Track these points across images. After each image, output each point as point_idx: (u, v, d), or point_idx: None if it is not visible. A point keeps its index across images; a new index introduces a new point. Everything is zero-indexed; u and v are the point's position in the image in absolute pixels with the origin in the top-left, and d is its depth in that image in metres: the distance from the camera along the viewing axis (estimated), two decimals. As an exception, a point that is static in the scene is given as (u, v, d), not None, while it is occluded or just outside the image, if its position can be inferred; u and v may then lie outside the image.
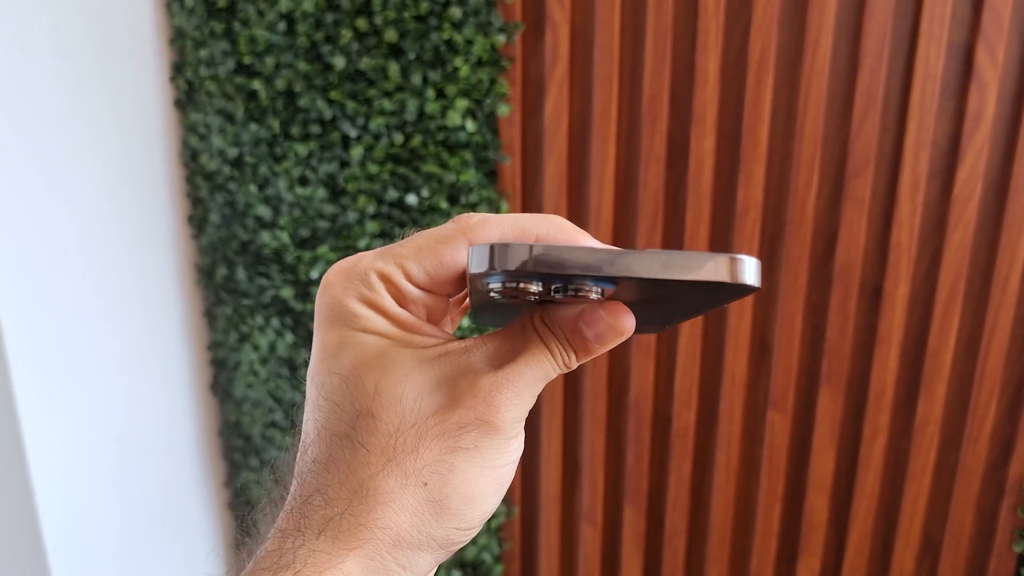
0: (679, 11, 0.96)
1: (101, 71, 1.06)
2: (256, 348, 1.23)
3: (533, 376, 0.32)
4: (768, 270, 1.02)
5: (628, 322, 0.32)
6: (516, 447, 0.33)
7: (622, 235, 1.06)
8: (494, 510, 0.33)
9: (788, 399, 1.06)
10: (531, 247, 0.28)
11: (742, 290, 0.28)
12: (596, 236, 1.05)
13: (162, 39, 1.15)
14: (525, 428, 0.38)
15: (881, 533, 1.09)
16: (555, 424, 1.15)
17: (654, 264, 0.28)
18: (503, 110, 1.03)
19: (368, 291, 0.31)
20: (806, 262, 1.00)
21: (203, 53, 1.11)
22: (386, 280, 0.31)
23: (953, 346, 0.99)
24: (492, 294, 0.30)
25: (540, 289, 0.30)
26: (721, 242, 1.02)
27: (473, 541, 1.21)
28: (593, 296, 0.30)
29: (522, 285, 0.29)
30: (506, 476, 0.32)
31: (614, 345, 0.33)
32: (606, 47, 0.98)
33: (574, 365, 0.33)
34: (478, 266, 0.29)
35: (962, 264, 0.95)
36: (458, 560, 1.23)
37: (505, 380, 0.31)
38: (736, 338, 1.05)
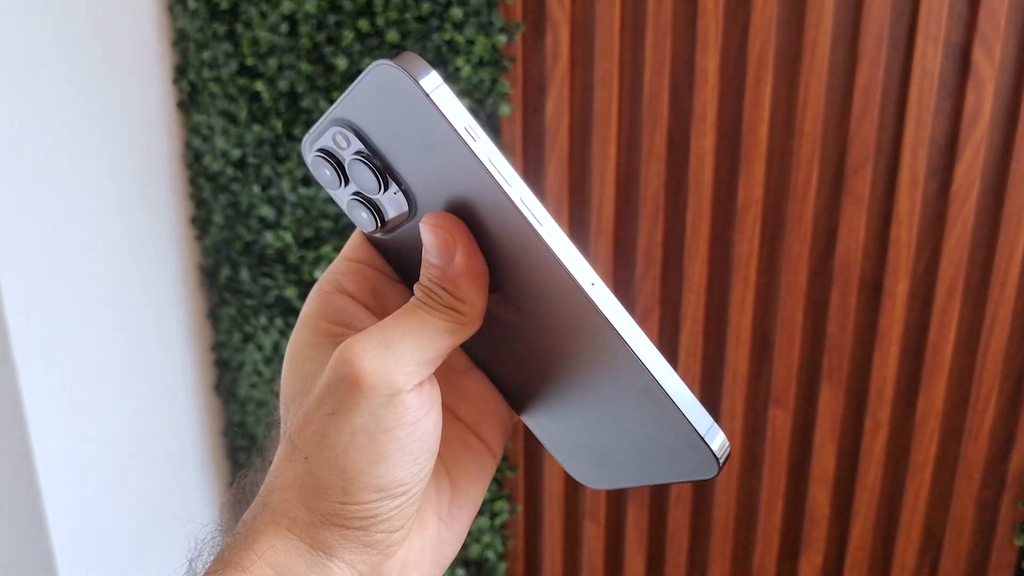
0: (679, 11, 0.96)
1: (104, 74, 1.07)
2: (260, 348, 1.24)
3: (408, 326, 0.29)
4: (769, 267, 1.03)
5: (452, 223, 0.29)
6: (404, 413, 0.29)
7: (623, 233, 1.06)
8: (403, 483, 0.29)
9: (789, 395, 1.06)
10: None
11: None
12: (598, 233, 1.06)
13: (165, 41, 1.16)
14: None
15: (883, 528, 1.09)
16: (558, 422, 1.15)
17: None
18: (504, 110, 1.03)
19: (317, 299, 0.33)
20: (806, 259, 1.01)
21: (206, 55, 1.12)
22: (330, 284, 0.33)
23: (953, 341, 0.99)
24: (337, 194, 0.32)
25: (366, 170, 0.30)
26: (721, 239, 1.03)
27: (476, 539, 1.22)
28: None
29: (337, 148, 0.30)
30: (393, 446, 0.29)
31: (461, 263, 0.29)
32: (606, 46, 0.99)
33: (445, 300, 0.29)
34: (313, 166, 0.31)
35: (961, 260, 0.96)
36: (461, 558, 1.24)
37: (368, 332, 0.29)
38: (737, 335, 1.06)
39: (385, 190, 0.30)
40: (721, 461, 0.29)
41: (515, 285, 0.30)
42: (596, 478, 0.35)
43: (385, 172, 0.30)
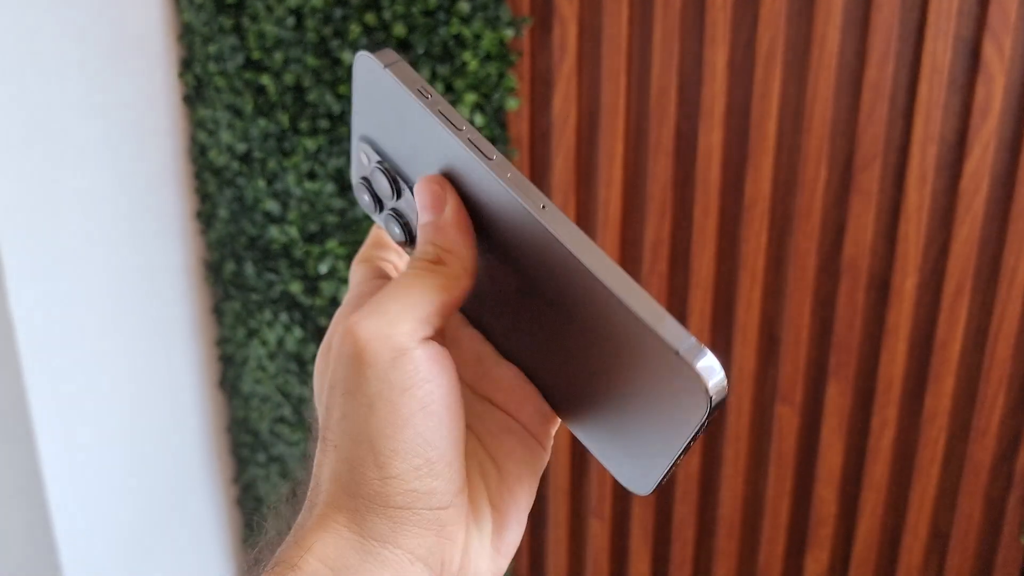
0: (687, 5, 0.96)
1: (110, 68, 1.07)
2: (264, 343, 1.24)
3: (399, 289, 0.29)
4: (776, 263, 1.03)
5: (440, 179, 0.30)
6: (415, 370, 0.28)
7: (630, 228, 1.06)
8: (433, 445, 0.28)
9: (796, 392, 1.06)
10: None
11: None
12: (605, 228, 1.06)
13: (170, 35, 1.15)
14: None
15: (889, 526, 1.09)
16: (563, 418, 1.15)
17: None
18: (511, 104, 1.03)
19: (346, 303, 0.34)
20: (814, 255, 1.00)
21: (212, 49, 1.12)
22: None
23: (961, 339, 0.99)
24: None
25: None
26: (729, 235, 1.03)
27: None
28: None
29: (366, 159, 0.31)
30: (414, 406, 0.28)
31: (451, 212, 0.30)
32: (614, 41, 0.99)
33: (432, 254, 0.30)
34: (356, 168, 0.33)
35: (970, 257, 0.96)
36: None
37: (363, 306, 0.29)
38: (744, 332, 1.05)
39: (399, 196, 0.32)
40: (710, 385, 0.25)
41: (501, 247, 0.30)
42: (637, 476, 0.32)
43: (395, 174, 0.32)
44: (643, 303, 0.26)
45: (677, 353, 0.26)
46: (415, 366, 0.28)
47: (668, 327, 0.26)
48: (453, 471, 0.30)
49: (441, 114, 0.29)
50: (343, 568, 0.28)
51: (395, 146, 0.31)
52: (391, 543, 0.29)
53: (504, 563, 0.32)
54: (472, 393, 0.34)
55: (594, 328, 0.28)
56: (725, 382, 0.26)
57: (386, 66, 0.29)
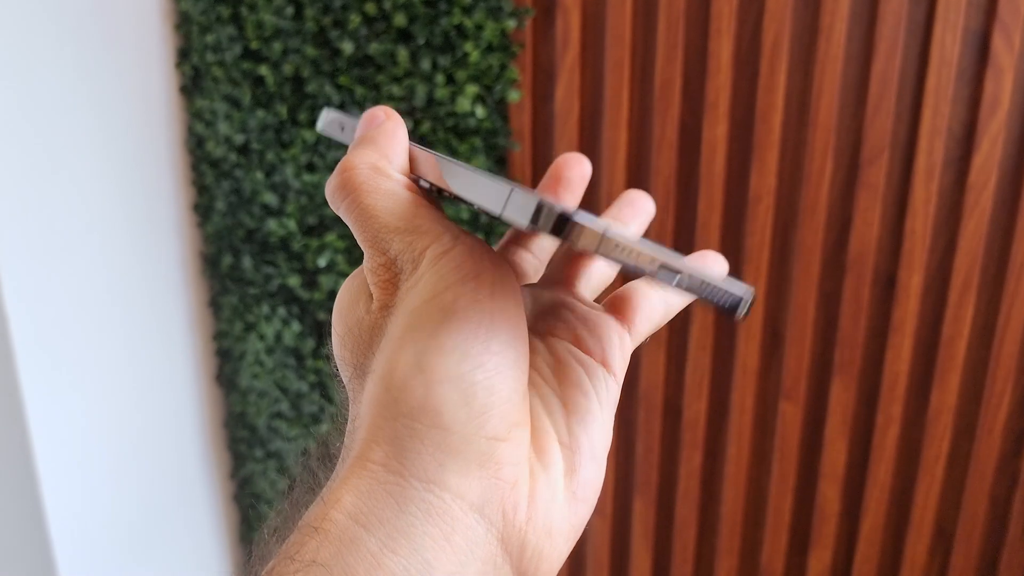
0: (692, -4, 0.95)
1: (106, 57, 1.05)
2: (262, 337, 1.22)
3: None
4: (781, 258, 1.01)
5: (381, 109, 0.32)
6: (459, 264, 0.26)
7: (633, 223, 1.05)
8: (485, 345, 0.25)
9: (800, 389, 1.05)
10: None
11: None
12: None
13: (168, 24, 1.14)
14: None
15: (893, 524, 1.08)
16: (564, 414, 1.14)
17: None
18: (513, 96, 1.02)
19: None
20: (819, 250, 0.99)
21: (209, 38, 1.10)
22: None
23: (967, 335, 0.98)
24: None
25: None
26: (733, 229, 1.01)
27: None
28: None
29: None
30: (450, 295, 0.26)
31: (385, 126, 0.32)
32: (618, 33, 0.97)
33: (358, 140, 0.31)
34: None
35: (977, 252, 0.95)
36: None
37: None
38: (748, 328, 1.04)
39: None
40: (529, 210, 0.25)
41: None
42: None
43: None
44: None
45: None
46: (458, 260, 0.27)
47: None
48: (515, 394, 0.26)
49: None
50: (376, 523, 0.23)
51: None
52: (437, 483, 0.24)
53: (584, 509, 0.28)
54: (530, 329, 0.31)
55: None
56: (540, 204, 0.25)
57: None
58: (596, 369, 0.30)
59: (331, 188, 0.30)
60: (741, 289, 0.26)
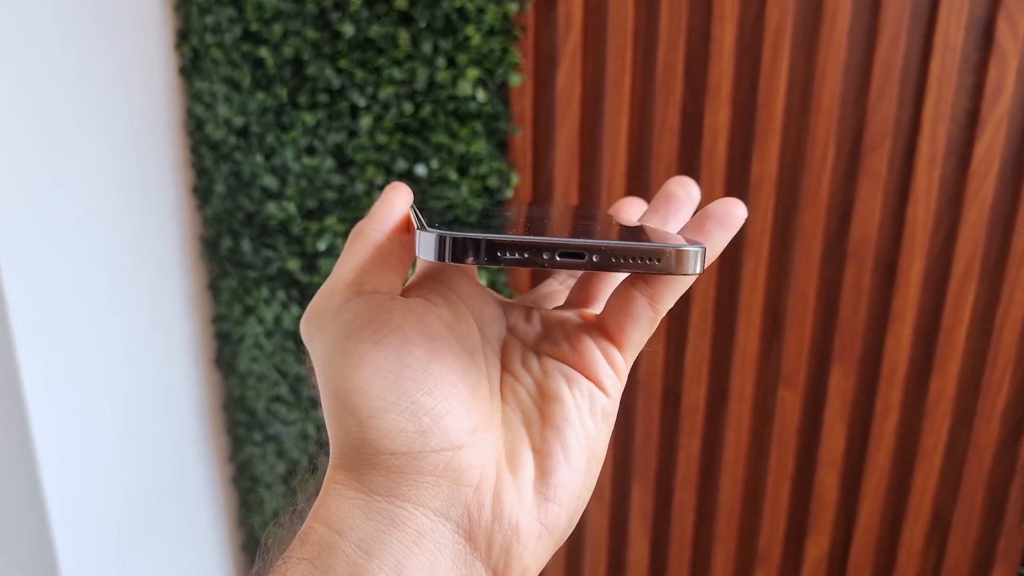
0: (696, -20, 0.94)
1: (104, 38, 1.04)
2: (261, 321, 1.22)
3: (338, 263, 0.34)
4: (782, 245, 1.01)
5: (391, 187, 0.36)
6: (355, 315, 0.30)
7: (634, 209, 1.04)
8: (412, 381, 0.28)
9: (799, 376, 1.05)
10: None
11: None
12: (608, 208, 1.04)
13: (167, 5, 1.13)
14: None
15: (891, 511, 1.08)
16: (563, 400, 1.14)
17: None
18: (515, 80, 1.01)
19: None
20: (820, 237, 0.99)
21: (209, 20, 1.09)
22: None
23: (967, 323, 0.98)
24: None
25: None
26: (734, 216, 1.01)
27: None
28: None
29: None
30: (363, 346, 0.28)
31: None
32: (620, 17, 0.97)
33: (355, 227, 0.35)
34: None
35: (978, 240, 0.94)
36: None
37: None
38: (748, 314, 1.04)
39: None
40: None
41: None
42: None
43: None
44: None
45: None
46: (355, 312, 0.30)
47: None
48: (457, 406, 0.28)
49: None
50: (347, 529, 0.26)
51: None
52: (396, 496, 0.26)
53: (558, 510, 0.29)
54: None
55: None
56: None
57: None
58: (579, 381, 0.32)
59: None
60: (659, 245, 0.26)
